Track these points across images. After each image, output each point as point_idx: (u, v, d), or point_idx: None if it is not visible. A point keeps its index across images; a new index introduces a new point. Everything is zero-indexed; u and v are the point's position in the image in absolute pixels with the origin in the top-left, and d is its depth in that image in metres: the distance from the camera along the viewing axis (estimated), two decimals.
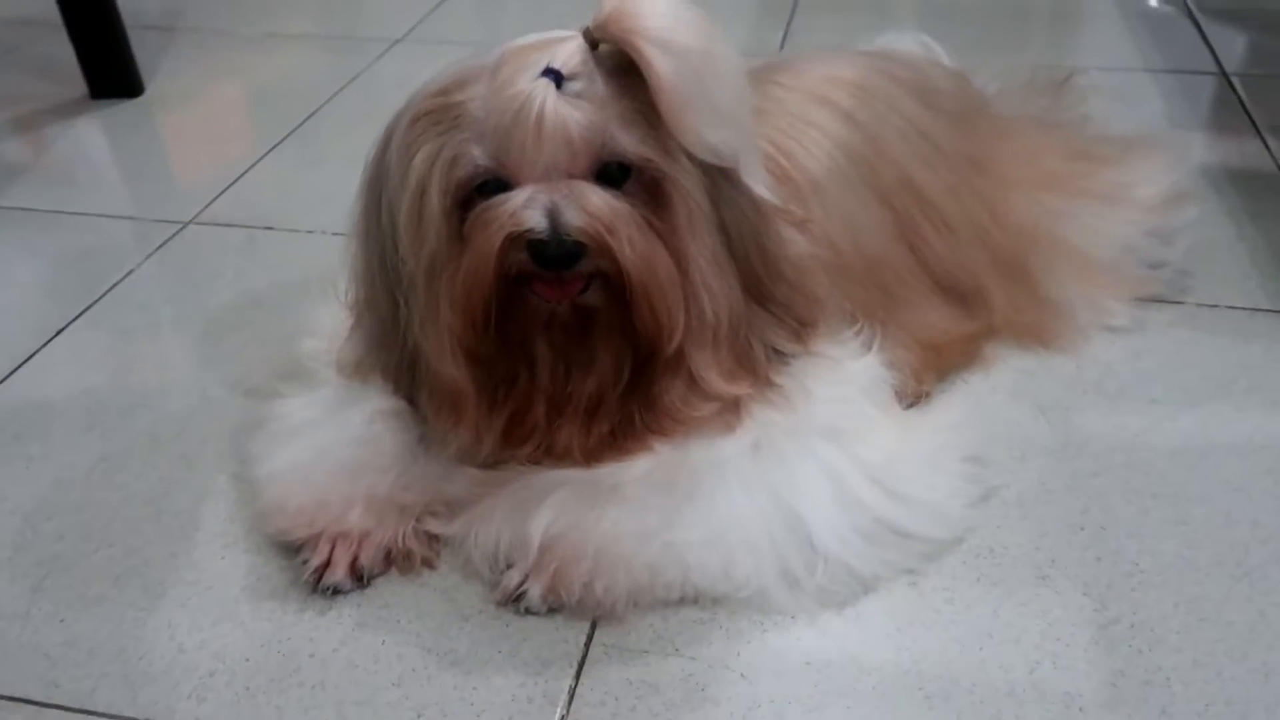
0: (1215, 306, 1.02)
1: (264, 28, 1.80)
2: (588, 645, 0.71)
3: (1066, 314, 0.99)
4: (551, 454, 0.74)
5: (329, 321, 0.87)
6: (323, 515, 0.75)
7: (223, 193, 1.29)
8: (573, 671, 0.69)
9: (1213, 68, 1.55)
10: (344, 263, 0.79)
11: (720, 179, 0.71)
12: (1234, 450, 0.84)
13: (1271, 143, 1.31)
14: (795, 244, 0.78)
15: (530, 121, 0.64)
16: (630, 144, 0.66)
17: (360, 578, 0.74)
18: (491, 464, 0.77)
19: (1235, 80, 1.49)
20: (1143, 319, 0.99)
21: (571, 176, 0.66)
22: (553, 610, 0.72)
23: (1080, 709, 0.65)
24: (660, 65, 0.63)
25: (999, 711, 0.65)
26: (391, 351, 0.77)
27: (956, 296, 0.96)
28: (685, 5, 0.65)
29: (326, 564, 0.74)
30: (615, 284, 0.68)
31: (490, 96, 0.65)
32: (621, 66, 0.66)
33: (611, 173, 0.67)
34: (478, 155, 0.66)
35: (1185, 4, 1.78)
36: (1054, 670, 0.68)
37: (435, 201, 0.67)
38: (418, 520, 0.77)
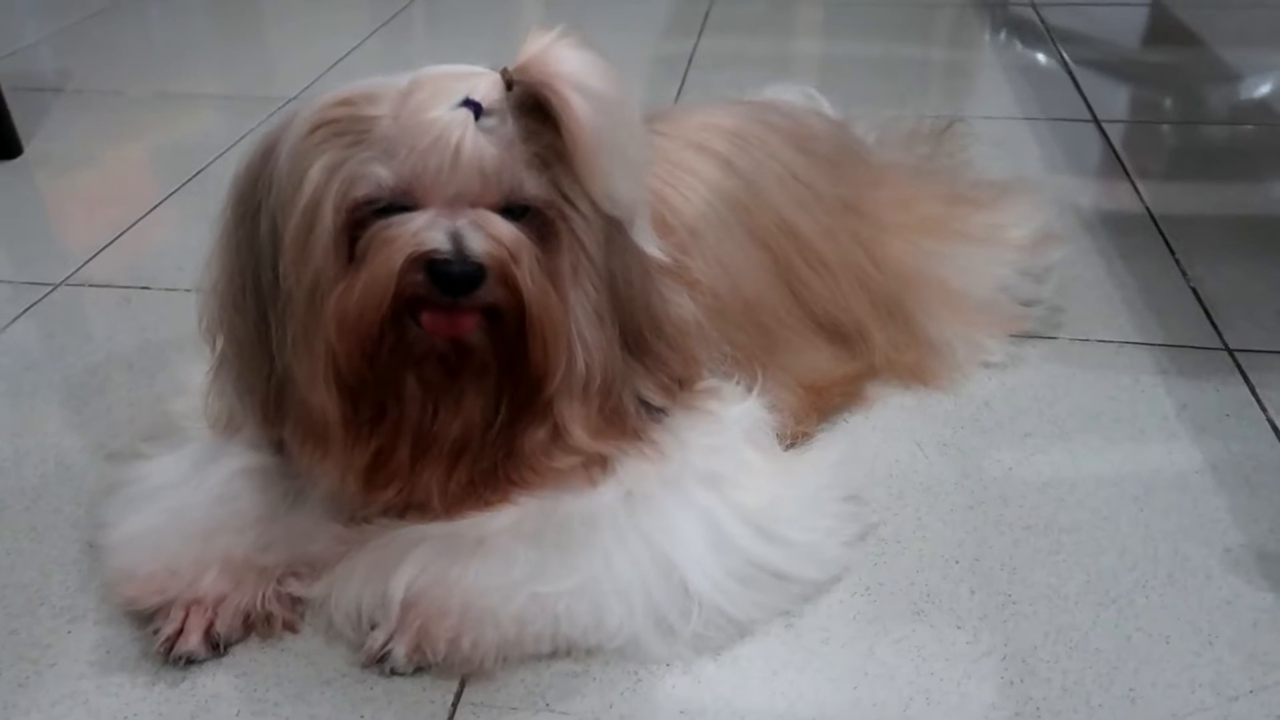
0: (1086, 340, 1.05)
1: (155, 88, 1.77)
2: (455, 705, 0.68)
3: (945, 352, 1.00)
4: (413, 500, 0.72)
5: (201, 379, 0.84)
6: (174, 582, 0.71)
7: (99, 253, 1.25)
8: None
9: (1087, 116, 1.61)
10: (202, 286, 0.74)
11: (615, 232, 0.71)
12: (1101, 480, 0.86)
13: (1140, 185, 1.37)
14: (681, 306, 0.78)
15: (449, 149, 0.63)
16: (533, 185, 0.66)
17: (216, 645, 0.71)
18: (356, 519, 0.74)
19: (1107, 128, 1.56)
20: (1017, 354, 1.01)
21: (476, 207, 0.65)
22: (419, 670, 0.69)
23: None
24: (579, 108, 0.63)
25: None
26: (257, 382, 0.73)
27: (838, 337, 0.97)
28: (599, 57, 0.66)
29: (179, 632, 0.70)
30: (503, 322, 0.67)
31: (405, 118, 0.64)
32: (528, 111, 0.66)
33: (513, 210, 0.67)
34: (383, 175, 0.64)
35: (1062, 58, 1.86)
36: (926, 706, 0.67)
37: (328, 217, 0.65)
38: (279, 582, 0.74)
